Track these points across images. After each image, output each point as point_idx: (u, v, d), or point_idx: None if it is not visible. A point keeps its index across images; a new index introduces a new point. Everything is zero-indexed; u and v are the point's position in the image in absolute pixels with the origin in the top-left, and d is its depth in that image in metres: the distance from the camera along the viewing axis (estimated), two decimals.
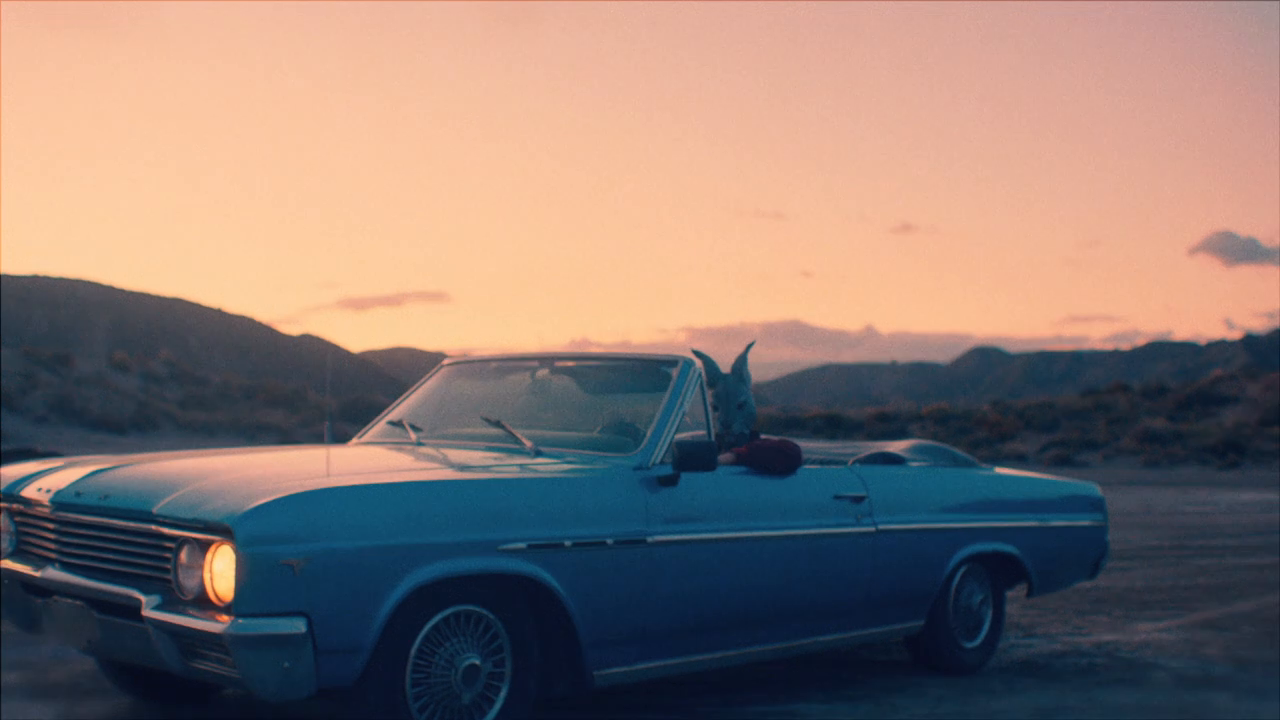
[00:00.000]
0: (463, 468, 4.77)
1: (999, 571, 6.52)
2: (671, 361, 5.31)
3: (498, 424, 5.24)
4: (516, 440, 5.12)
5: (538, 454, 5.03)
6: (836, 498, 5.58)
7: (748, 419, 5.63)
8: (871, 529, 5.67)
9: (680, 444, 4.78)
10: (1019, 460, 43.37)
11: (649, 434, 4.98)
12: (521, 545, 4.36)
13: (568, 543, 4.49)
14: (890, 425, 54.69)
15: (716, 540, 4.99)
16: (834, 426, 55.28)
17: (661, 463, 4.91)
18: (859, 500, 5.65)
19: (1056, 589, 7.10)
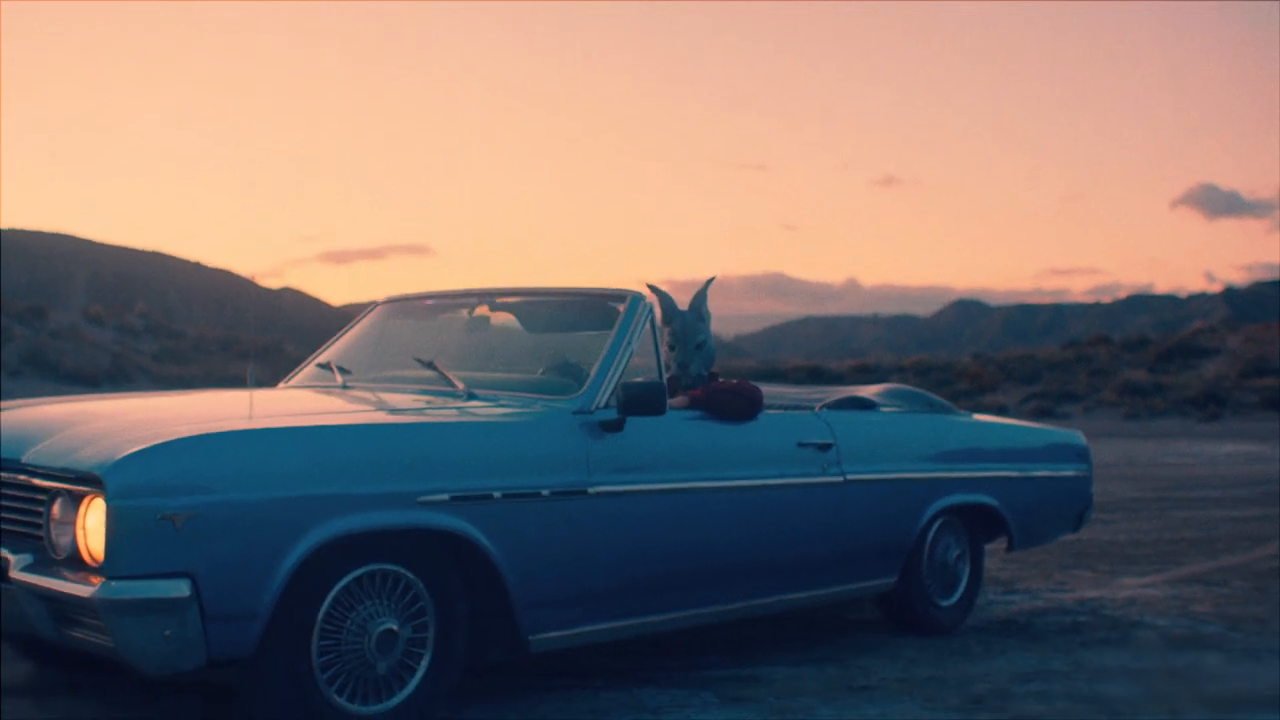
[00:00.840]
0: (382, 411, 4.35)
1: (977, 524, 6.13)
2: (619, 296, 4.85)
3: (430, 365, 4.78)
4: (449, 382, 4.68)
5: (470, 397, 4.59)
6: (801, 445, 5.17)
7: (706, 360, 5.22)
8: (839, 479, 5.28)
9: (627, 386, 4.36)
10: (1000, 411, 43.17)
11: (592, 375, 4.54)
12: (444, 497, 3.92)
13: (497, 494, 4.05)
14: (870, 377, 54.37)
15: (666, 491, 4.58)
16: (814, 379, 55.01)
17: (606, 406, 4.48)
18: (825, 448, 5.25)
19: (1038, 543, 6.72)
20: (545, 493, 4.18)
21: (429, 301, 5.55)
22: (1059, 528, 6.72)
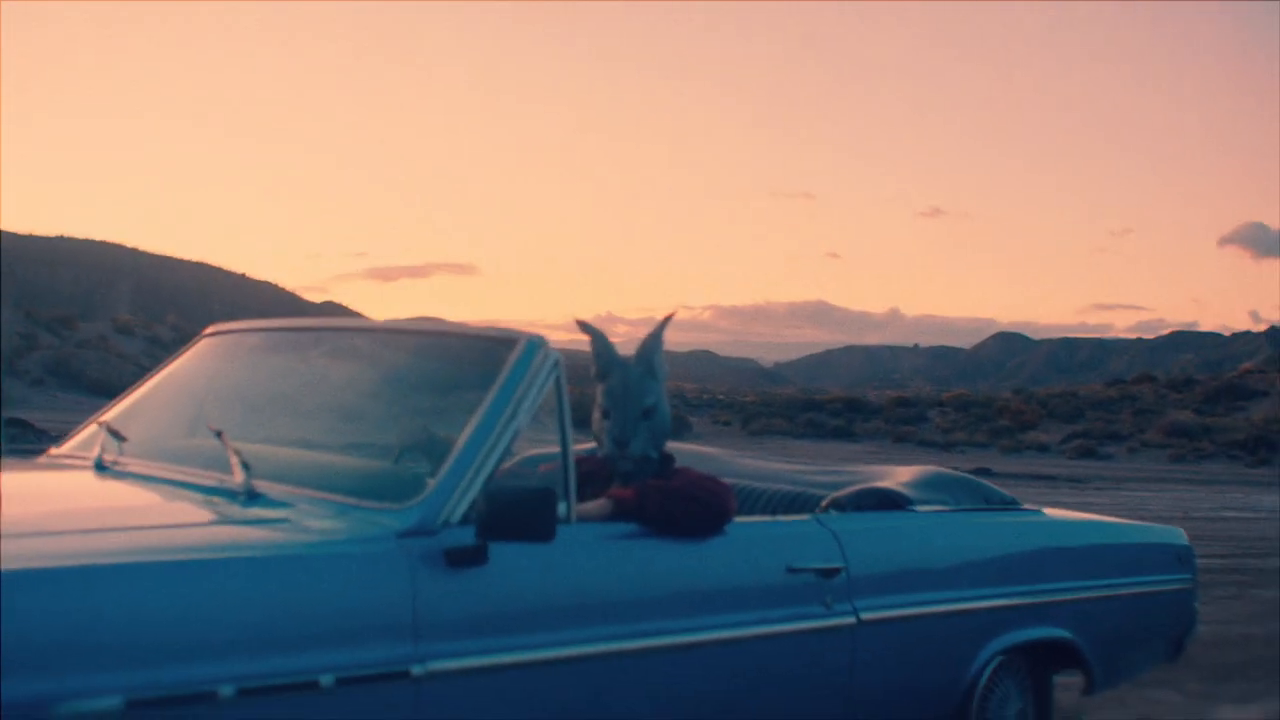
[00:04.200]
0: (71, 536, 2.61)
1: (1045, 662, 4.42)
2: (505, 341, 3.21)
3: (219, 436, 3.22)
4: (232, 468, 3.12)
5: (250, 499, 2.98)
6: (793, 570, 3.50)
7: (656, 434, 3.50)
8: (849, 620, 3.61)
9: (493, 492, 2.79)
10: (1041, 451, 42.31)
11: (441, 472, 2.89)
12: (114, 703, 2.24)
13: (227, 689, 2.37)
14: (910, 410, 53.86)
15: (559, 662, 2.93)
16: (853, 410, 54.50)
17: (462, 522, 2.84)
18: (830, 574, 3.57)
19: (1125, 679, 4.98)
20: (327, 680, 2.49)
21: (259, 335, 4.01)
22: (1153, 657, 5.02)
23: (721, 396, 71.18)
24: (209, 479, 3.16)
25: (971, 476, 4.49)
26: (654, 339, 3.57)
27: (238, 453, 3.11)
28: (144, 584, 2.43)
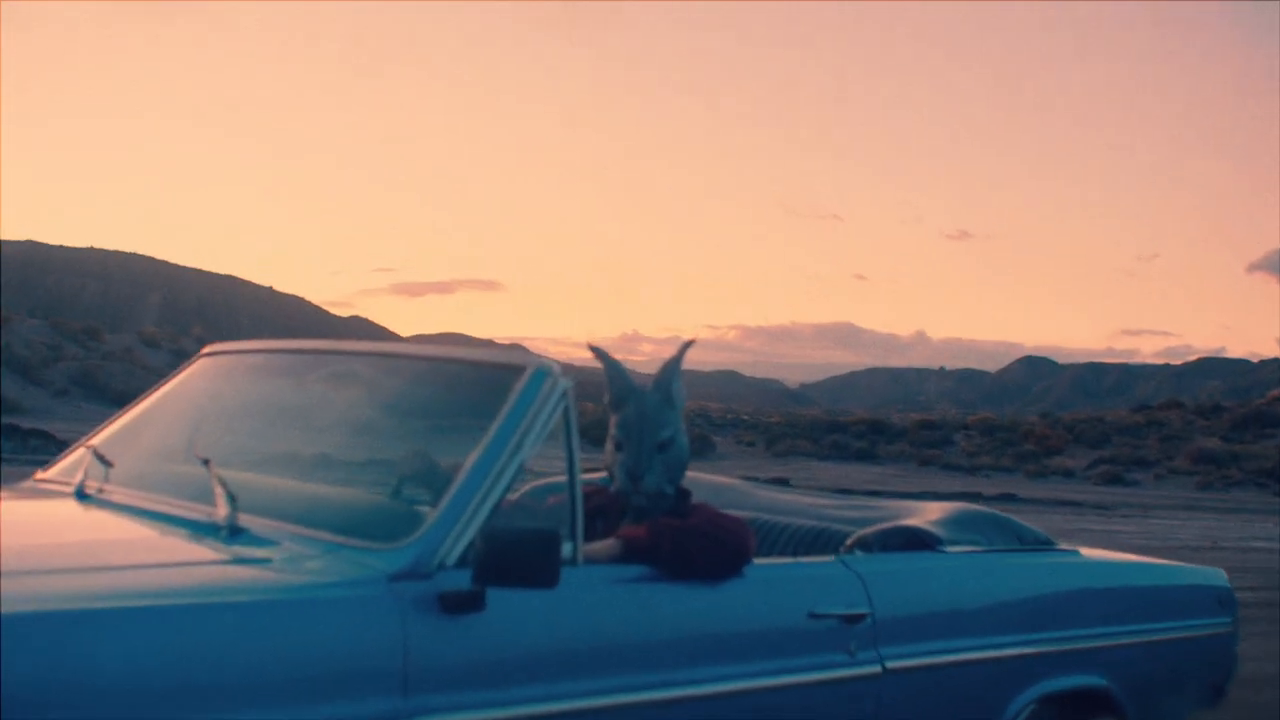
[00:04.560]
0: (43, 575, 2.44)
1: (1079, 712, 4.17)
2: (512, 369, 2.99)
3: (206, 463, 3.05)
4: (217, 501, 2.93)
5: (233, 535, 2.79)
6: (815, 616, 3.29)
7: (673, 468, 3.28)
8: (875, 669, 3.40)
9: (491, 534, 2.57)
10: (1066, 477, 41.97)
11: (436, 511, 2.69)
12: None
13: None
14: (935, 433, 53.54)
15: (561, 716, 2.74)
16: (877, 432, 54.26)
17: (459, 564, 2.64)
18: (855, 620, 3.36)
19: None
20: None
21: (258, 357, 3.87)
22: (1191, 704, 4.74)
23: (746, 417, 70.99)
24: (194, 511, 2.96)
25: (1004, 514, 4.25)
26: (673, 365, 3.35)
27: (223, 483, 2.90)
28: (110, 631, 2.26)
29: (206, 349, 3.91)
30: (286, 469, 3.27)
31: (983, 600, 3.79)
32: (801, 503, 4.29)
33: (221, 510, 2.84)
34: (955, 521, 3.99)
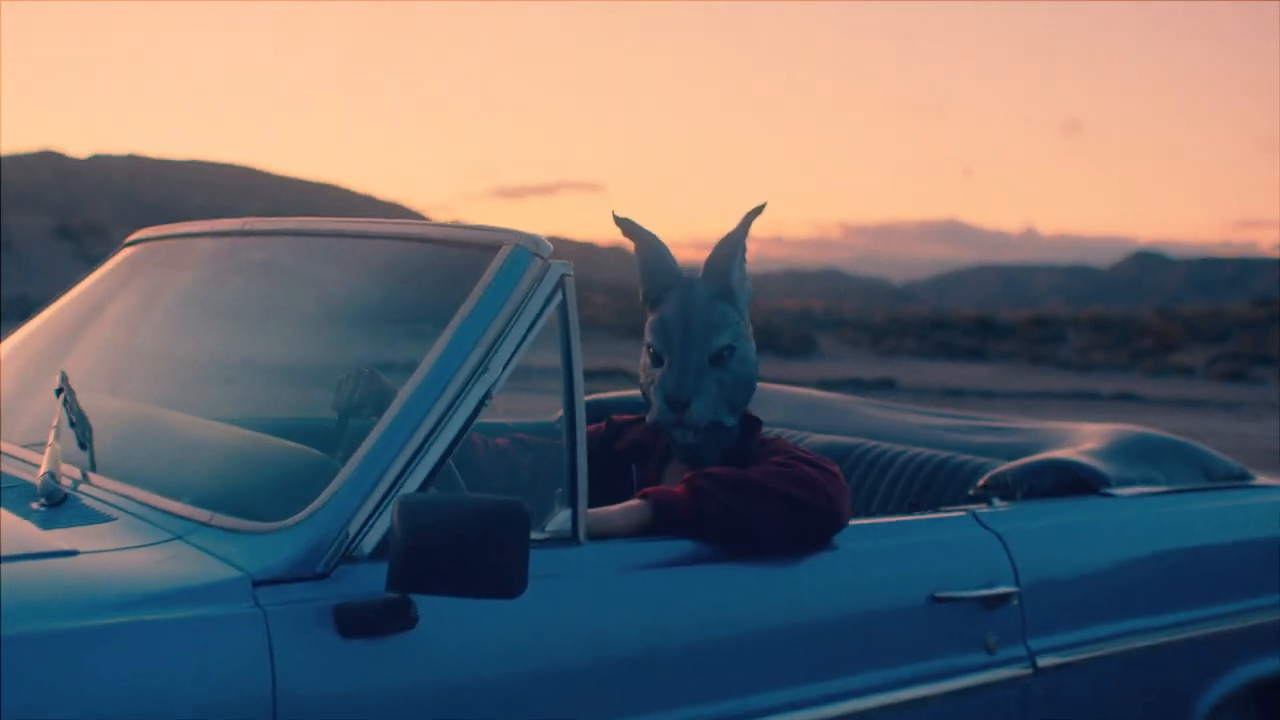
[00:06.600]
0: None
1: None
2: (483, 248, 2.03)
3: (61, 394, 2.15)
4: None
5: (49, 502, 1.92)
6: (938, 600, 2.32)
7: (732, 390, 2.32)
8: (1023, 670, 2.43)
9: (411, 508, 1.62)
10: (1186, 374, 40.49)
11: (345, 470, 1.77)
12: None
13: None
14: (1046, 330, 52.04)
15: None
16: (985, 330, 52.83)
17: (370, 555, 1.74)
18: (995, 602, 2.40)
19: None
20: None
21: (181, 241, 2.79)
22: None
23: (850, 315, 69.70)
24: (32, 467, 2.07)
25: (1185, 440, 3.13)
26: (731, 244, 2.38)
27: (66, 425, 2.05)
28: None
29: (131, 237, 2.94)
30: (186, 399, 2.34)
31: (1168, 562, 2.76)
32: (916, 422, 3.27)
33: (42, 468, 1.94)
34: (1123, 451, 2.93)
